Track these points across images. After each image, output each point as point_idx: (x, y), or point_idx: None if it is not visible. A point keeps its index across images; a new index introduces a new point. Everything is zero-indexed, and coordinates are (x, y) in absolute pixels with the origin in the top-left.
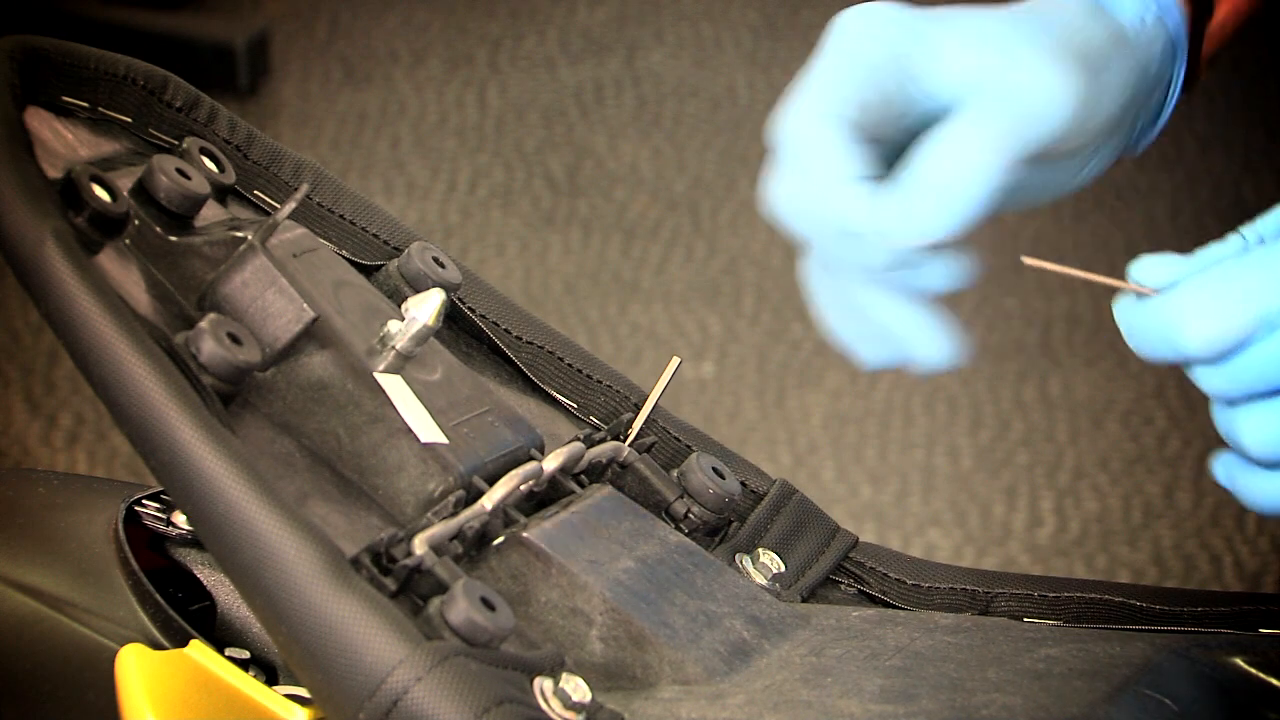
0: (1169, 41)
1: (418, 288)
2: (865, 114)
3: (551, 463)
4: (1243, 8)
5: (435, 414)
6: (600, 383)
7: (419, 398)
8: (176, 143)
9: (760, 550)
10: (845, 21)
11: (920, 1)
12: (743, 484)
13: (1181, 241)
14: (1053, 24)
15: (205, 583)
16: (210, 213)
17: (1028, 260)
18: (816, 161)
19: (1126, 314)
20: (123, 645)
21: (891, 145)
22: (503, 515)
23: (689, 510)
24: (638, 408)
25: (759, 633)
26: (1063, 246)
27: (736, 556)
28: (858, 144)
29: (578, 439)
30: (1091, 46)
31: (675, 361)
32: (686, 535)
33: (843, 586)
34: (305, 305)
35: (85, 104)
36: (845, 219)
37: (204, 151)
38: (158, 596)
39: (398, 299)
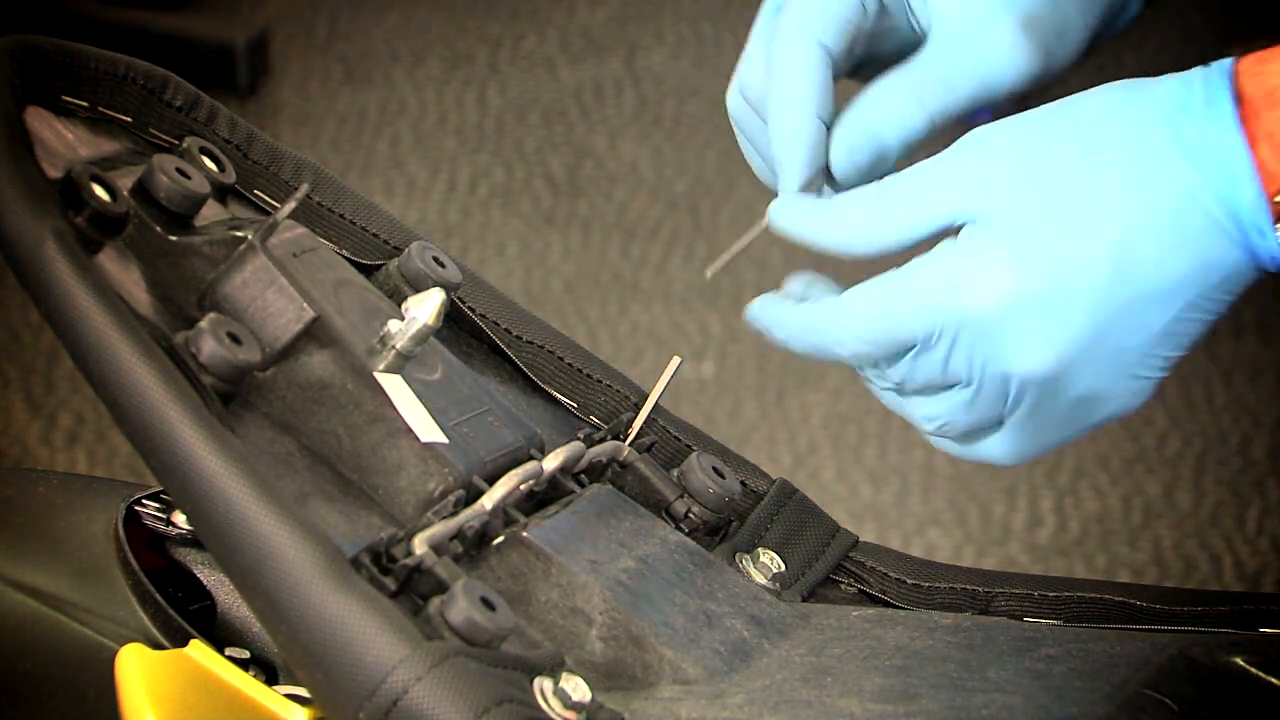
0: None
1: (418, 287)
2: (850, 30)
3: (551, 462)
4: None
5: (435, 414)
6: (600, 382)
7: (419, 397)
8: (176, 142)
9: (760, 550)
10: None
11: None
12: (743, 484)
13: None
14: None
15: (205, 583)
16: (210, 212)
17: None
18: (791, 96)
19: (774, 313)
20: (123, 645)
21: (869, 59)
22: (503, 515)
23: (689, 510)
24: (638, 407)
25: (759, 632)
26: None
27: (737, 556)
28: (830, 71)
29: (578, 439)
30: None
31: (675, 361)
32: (686, 535)
33: (843, 586)
34: (305, 305)
35: (85, 104)
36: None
37: (204, 151)
38: (158, 596)
39: (398, 298)
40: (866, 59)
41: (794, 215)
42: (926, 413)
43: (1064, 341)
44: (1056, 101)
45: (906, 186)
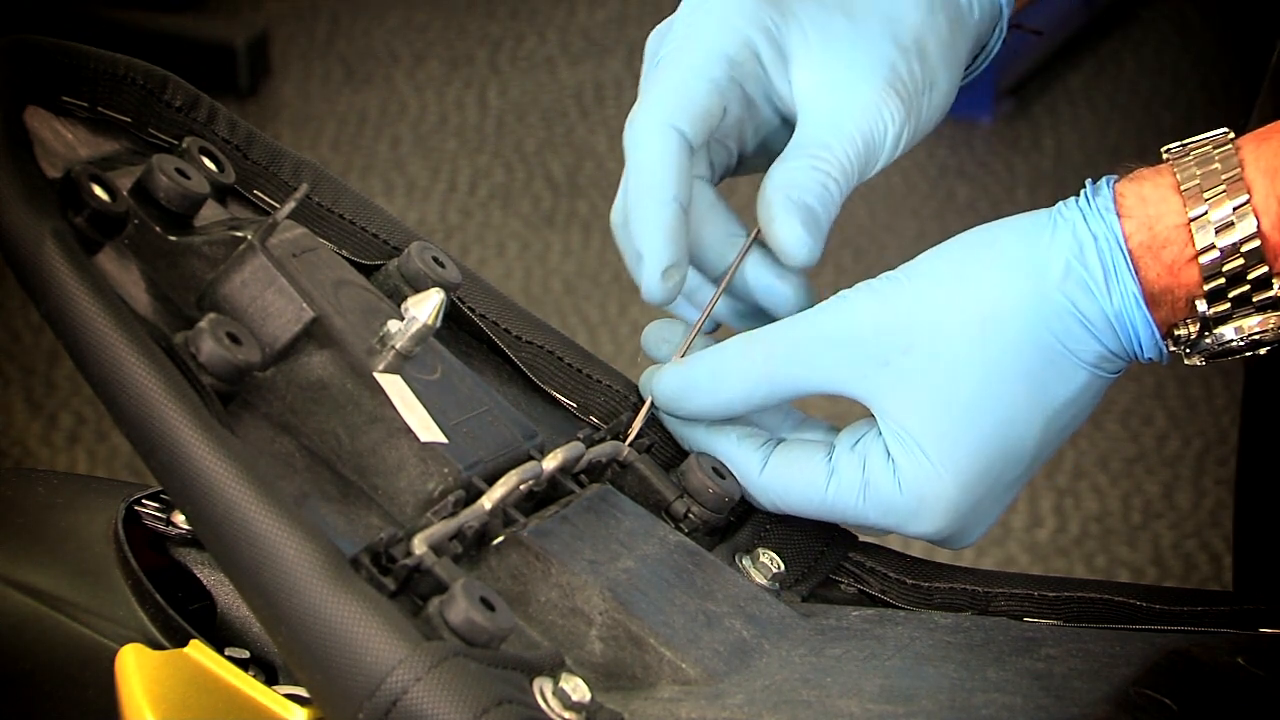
0: (997, 10)
1: (417, 287)
2: (707, 119)
3: (551, 462)
4: None
5: (435, 414)
6: (600, 382)
7: (418, 397)
8: (176, 142)
9: (760, 550)
10: (700, 5)
11: None
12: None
13: None
14: (899, 31)
15: (205, 583)
16: (210, 212)
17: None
18: (647, 181)
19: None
20: (123, 645)
21: (735, 135)
22: (502, 515)
23: (689, 510)
24: (637, 407)
25: (759, 632)
26: None
27: (736, 556)
28: (688, 157)
29: (577, 439)
30: (928, 53)
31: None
32: (686, 535)
33: (843, 586)
34: (305, 305)
35: (85, 104)
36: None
37: (204, 151)
38: (158, 596)
39: (397, 298)
40: (749, 155)
41: (672, 388)
42: None
43: (993, 519)
44: (937, 267)
45: (790, 357)
